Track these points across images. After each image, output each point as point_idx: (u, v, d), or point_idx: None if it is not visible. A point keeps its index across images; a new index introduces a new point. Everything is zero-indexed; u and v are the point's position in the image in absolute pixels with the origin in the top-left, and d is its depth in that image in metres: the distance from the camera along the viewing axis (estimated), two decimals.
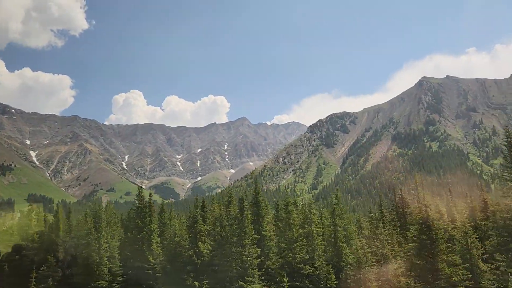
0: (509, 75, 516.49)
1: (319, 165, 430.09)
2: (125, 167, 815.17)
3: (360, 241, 46.87)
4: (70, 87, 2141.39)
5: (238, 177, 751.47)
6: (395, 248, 46.02)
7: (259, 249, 44.68)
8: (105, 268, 46.76)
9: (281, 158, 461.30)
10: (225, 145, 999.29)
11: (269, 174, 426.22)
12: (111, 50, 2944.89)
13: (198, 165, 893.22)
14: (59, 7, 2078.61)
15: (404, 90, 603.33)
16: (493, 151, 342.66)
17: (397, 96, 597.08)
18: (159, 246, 49.03)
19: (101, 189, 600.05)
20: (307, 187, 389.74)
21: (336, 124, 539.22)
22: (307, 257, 45.87)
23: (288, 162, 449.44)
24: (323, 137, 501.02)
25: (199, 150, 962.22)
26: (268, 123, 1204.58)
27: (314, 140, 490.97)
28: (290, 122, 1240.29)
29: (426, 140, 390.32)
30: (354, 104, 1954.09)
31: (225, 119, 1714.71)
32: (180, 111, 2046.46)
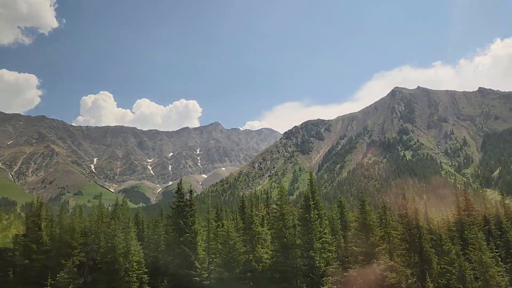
0: (476, 88, 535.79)
1: (295, 171, 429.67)
2: (93, 170, 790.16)
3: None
4: (36, 86, 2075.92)
5: (210, 182, 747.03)
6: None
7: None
8: (133, 275, 41.27)
9: (257, 164, 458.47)
10: (198, 150, 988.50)
11: (244, 180, 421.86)
12: (81, 50, 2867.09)
13: (170, 169, 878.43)
14: (28, 4, 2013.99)
15: (377, 100, 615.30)
16: (465, 161, 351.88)
17: (371, 105, 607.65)
18: (204, 250, 43.80)
19: (68, 192, 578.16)
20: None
21: (311, 131, 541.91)
22: None
23: (264, 167, 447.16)
24: (299, 143, 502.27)
25: (171, 154, 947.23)
26: (241, 128, 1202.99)
27: (290, 147, 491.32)
28: (263, 129, 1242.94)
29: (400, 149, 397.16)
30: (324, 112, 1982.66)
31: (197, 124, 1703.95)
32: (151, 114, 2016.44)
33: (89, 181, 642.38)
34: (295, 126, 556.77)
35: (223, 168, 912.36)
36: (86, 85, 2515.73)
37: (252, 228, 42.93)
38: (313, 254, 37.81)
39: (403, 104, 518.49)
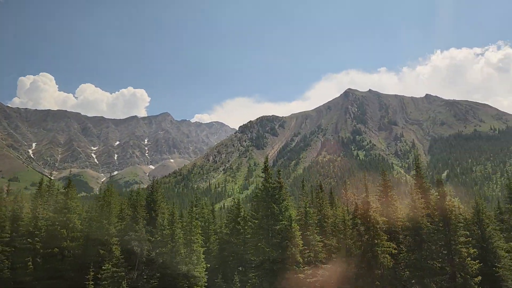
0: (419, 95, 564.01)
1: (249, 166, 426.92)
2: (31, 155, 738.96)
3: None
4: None
5: (158, 174, 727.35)
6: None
7: None
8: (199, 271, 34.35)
9: (211, 157, 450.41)
10: (146, 140, 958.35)
11: (199, 172, 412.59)
12: (21, 27, 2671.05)
13: (116, 158, 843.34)
14: None
15: (330, 100, 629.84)
16: (413, 162, 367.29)
17: (324, 104, 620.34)
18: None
19: (2, 177, 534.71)
20: (238, 187, 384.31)
21: (266, 126, 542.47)
22: None
23: (219, 161, 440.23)
24: (254, 138, 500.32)
25: (117, 143, 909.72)
26: (192, 120, 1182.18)
27: (245, 141, 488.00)
28: (214, 122, 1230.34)
29: (353, 149, 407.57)
30: (274, 109, 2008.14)
31: (144, 114, 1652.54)
32: (96, 100, 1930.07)
33: (27, 166, 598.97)
34: (250, 121, 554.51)
35: (172, 160, 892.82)
36: (24, 64, 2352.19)
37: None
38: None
39: (356, 106, 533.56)
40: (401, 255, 38.73)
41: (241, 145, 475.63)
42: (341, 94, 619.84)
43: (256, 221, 38.69)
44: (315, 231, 41.68)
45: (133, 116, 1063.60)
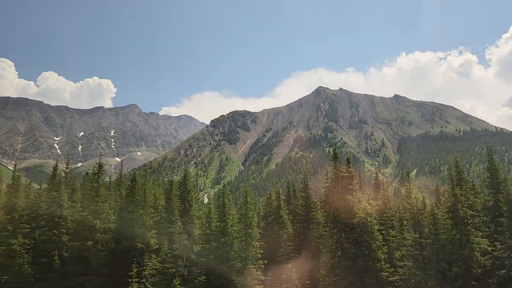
0: (392, 94, 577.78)
1: (221, 160, 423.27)
2: None
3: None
4: None
5: (125, 166, 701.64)
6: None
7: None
8: None
9: (182, 150, 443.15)
10: (112, 132, 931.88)
11: (169, 166, 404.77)
12: None
13: (80, 149, 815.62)
14: None
15: (301, 97, 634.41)
16: (383, 161, 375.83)
17: (295, 101, 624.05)
18: None
19: None
20: (209, 181, 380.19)
21: (237, 121, 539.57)
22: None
23: (190, 154, 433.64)
24: (226, 132, 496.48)
25: (82, 133, 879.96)
26: (160, 113, 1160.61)
27: (217, 135, 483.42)
28: (183, 115, 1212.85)
29: (325, 145, 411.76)
30: (243, 105, 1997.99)
31: (109, 105, 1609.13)
32: (59, 89, 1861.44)
33: None
34: (222, 115, 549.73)
35: (139, 153, 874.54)
36: None
37: None
38: None
39: (328, 104, 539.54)
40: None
41: (213, 139, 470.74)
42: (312, 92, 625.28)
43: (331, 215, 36.11)
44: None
45: (99, 106, 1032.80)
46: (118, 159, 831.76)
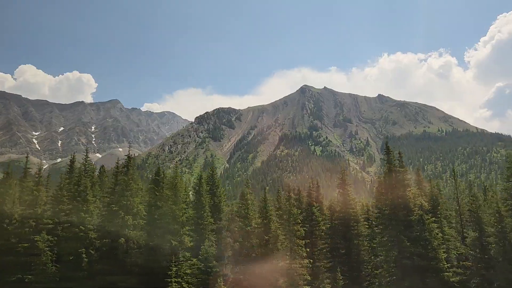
0: (376, 94, 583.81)
1: (206, 157, 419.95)
2: None
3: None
4: None
5: (106, 163, 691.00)
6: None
7: None
8: None
9: (167, 147, 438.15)
10: (93, 127, 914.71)
11: (154, 162, 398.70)
12: None
13: (59, 145, 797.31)
14: None
15: (286, 95, 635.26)
16: (368, 160, 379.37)
17: (280, 99, 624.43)
18: None
19: None
20: (195, 178, 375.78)
21: (222, 118, 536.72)
22: None
23: (175, 151, 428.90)
24: (210, 130, 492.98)
25: (62, 128, 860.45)
26: (142, 109, 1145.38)
27: (202, 132, 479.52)
28: (165, 112, 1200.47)
29: (310, 144, 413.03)
30: (226, 102, 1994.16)
31: (90, 99, 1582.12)
32: (37, 83, 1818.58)
33: None
34: (207, 112, 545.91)
35: (120, 149, 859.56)
36: None
37: None
38: None
39: (312, 102, 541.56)
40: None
41: (197, 136, 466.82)
42: (297, 90, 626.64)
43: (386, 211, 34.72)
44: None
45: (79, 101, 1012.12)
46: (99, 155, 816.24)
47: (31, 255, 28.52)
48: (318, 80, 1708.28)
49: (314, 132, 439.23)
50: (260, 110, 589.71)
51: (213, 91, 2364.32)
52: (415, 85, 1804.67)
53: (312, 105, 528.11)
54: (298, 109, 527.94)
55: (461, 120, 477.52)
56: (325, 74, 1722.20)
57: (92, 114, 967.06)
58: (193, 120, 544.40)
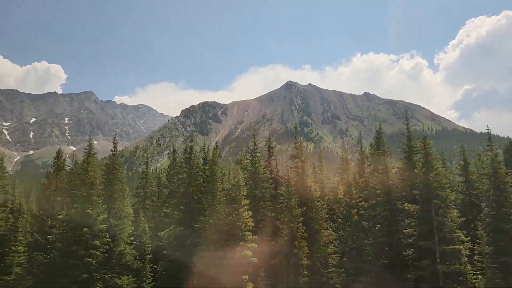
0: (362, 92, 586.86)
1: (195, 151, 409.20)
2: None
3: None
4: None
5: (81, 156, 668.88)
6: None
7: None
8: None
9: (155, 140, 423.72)
10: (66, 119, 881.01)
11: (142, 155, 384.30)
12: None
13: (31, 136, 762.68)
14: None
15: (271, 90, 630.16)
16: (361, 156, 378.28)
17: (265, 95, 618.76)
18: None
19: None
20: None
21: (208, 112, 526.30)
22: None
23: (163, 144, 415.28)
24: (197, 123, 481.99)
25: (34, 120, 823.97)
26: (117, 102, 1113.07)
27: (189, 126, 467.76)
28: (140, 105, 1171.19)
29: (302, 139, 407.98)
30: (200, 97, 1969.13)
31: (59, 91, 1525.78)
32: (4, 74, 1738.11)
33: None
34: (193, 105, 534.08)
35: (95, 142, 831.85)
36: None
37: None
38: None
39: (300, 98, 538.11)
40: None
41: (185, 130, 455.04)
42: (282, 86, 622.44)
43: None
44: None
45: (52, 92, 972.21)
46: (73, 148, 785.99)
47: None
48: (291, 77, 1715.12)
49: (305, 128, 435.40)
50: (245, 105, 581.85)
51: (187, 86, 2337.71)
52: (387, 85, 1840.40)
53: (300, 101, 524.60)
54: (286, 104, 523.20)
55: (447, 120, 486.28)
56: (298, 72, 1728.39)
57: (66, 105, 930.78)
58: (169, 114, 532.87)
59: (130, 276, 35.87)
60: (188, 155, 45.50)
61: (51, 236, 37.29)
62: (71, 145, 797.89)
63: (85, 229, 33.73)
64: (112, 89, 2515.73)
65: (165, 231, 41.40)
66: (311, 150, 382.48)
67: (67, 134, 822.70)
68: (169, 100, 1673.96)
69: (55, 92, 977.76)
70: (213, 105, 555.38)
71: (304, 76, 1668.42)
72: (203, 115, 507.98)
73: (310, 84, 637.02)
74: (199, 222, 37.69)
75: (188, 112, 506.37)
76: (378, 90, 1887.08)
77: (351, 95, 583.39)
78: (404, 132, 46.95)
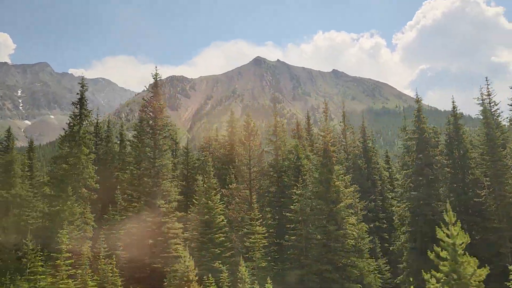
0: (330, 69, 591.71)
1: None
2: None
3: None
4: None
5: (37, 131, 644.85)
6: None
7: None
8: None
9: (123, 114, 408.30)
10: (19, 91, 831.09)
11: (112, 130, 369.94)
12: None
13: None
14: None
15: (240, 66, 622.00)
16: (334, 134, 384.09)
17: (233, 70, 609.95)
18: None
19: None
20: None
21: (176, 87, 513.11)
22: None
23: (132, 119, 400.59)
24: (166, 98, 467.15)
25: None
26: (74, 74, 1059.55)
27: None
28: (100, 78, 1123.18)
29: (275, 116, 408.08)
30: (161, 72, 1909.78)
31: (8, 61, 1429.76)
32: None
33: None
34: (160, 79, 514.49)
35: (52, 116, 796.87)
36: None
37: None
38: None
39: (270, 74, 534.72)
40: None
41: None
42: (251, 61, 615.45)
43: None
44: None
45: (2, 62, 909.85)
46: (28, 122, 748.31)
47: None
48: (254, 53, 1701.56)
49: (278, 104, 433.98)
50: (214, 80, 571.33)
51: (146, 60, 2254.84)
52: (347, 63, 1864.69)
53: (270, 77, 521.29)
54: (256, 80, 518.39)
55: (412, 97, 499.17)
56: (261, 48, 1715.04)
57: (18, 77, 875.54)
58: (130, 89, 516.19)
59: None
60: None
61: None
62: (26, 119, 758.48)
63: None
64: (67, 61, 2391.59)
65: None
66: (285, 127, 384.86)
67: (21, 108, 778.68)
68: (129, 74, 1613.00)
69: (6, 62, 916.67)
70: (181, 79, 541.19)
71: (268, 53, 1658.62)
72: (171, 90, 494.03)
73: (278, 60, 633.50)
74: None
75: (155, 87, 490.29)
76: (340, 68, 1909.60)
77: (319, 72, 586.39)
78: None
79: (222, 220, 34.82)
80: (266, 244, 34.28)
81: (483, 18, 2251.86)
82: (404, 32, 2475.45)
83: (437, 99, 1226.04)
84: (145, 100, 41.02)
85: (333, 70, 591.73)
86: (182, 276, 23.94)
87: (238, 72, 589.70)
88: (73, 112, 39.28)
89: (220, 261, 30.89)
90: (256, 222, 33.95)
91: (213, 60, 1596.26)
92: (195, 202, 36.30)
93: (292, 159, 43.12)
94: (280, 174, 42.74)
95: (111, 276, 26.09)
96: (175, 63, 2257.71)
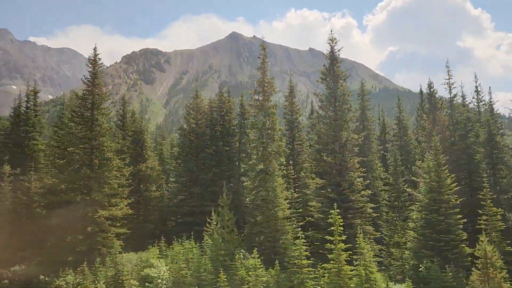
0: (307, 48, 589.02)
1: (142, 101, 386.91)
2: None
3: None
4: None
5: None
6: None
7: None
8: None
9: None
10: None
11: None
12: None
13: None
14: None
15: (215, 41, 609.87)
16: (310, 113, 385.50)
17: (209, 44, 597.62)
18: None
19: None
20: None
21: (151, 60, 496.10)
22: None
23: (106, 92, 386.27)
24: (140, 71, 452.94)
25: None
26: (37, 43, 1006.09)
27: (132, 73, 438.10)
28: (65, 48, 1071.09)
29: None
30: (129, 45, 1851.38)
31: None
32: None
33: None
34: (134, 51, 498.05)
35: (14, 87, 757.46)
36: None
37: None
38: None
39: (247, 50, 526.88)
40: None
41: (128, 78, 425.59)
42: (226, 37, 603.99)
43: None
44: None
45: None
46: None
47: None
48: (226, 29, 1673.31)
49: (255, 81, 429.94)
50: (188, 55, 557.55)
51: (113, 31, 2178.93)
52: (319, 42, 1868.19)
53: (248, 54, 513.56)
54: (233, 56, 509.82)
55: (387, 79, 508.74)
56: (232, 24, 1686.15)
57: None
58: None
59: None
60: None
61: None
62: None
63: None
64: (27, 29, 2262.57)
65: None
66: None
67: None
68: (94, 44, 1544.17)
69: None
70: (155, 53, 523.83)
71: (241, 28, 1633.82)
72: (145, 63, 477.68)
73: (255, 36, 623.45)
74: None
75: (129, 59, 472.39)
76: (310, 47, 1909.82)
77: (296, 50, 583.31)
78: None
79: None
80: None
81: (451, 3, 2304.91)
82: (375, 13, 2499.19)
83: (404, 81, 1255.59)
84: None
85: (310, 48, 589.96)
86: None
87: (213, 47, 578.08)
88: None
89: None
90: None
91: (184, 35, 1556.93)
92: None
93: None
94: None
95: None
96: (142, 36, 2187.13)
